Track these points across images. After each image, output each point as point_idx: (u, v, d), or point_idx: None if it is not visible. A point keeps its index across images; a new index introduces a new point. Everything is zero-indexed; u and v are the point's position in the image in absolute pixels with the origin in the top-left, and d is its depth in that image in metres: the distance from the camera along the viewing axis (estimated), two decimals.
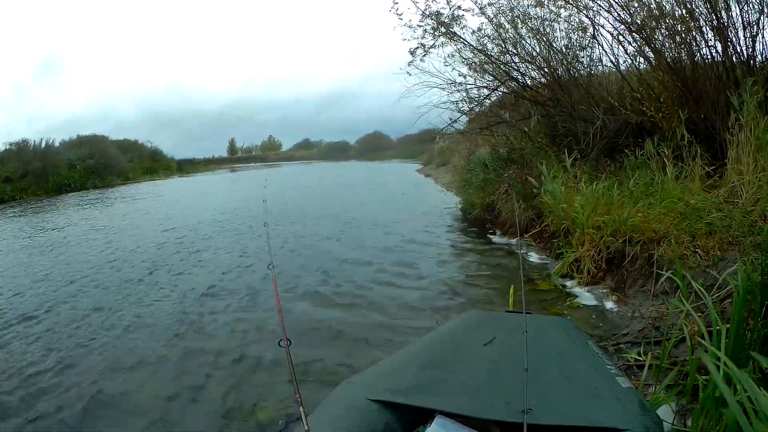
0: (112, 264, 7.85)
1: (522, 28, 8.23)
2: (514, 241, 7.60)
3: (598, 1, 6.57)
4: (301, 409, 1.51)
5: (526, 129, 8.48)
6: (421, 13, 8.72)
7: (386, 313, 4.97)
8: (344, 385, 2.02)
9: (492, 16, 8.34)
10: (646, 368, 2.98)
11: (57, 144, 37.49)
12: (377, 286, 5.93)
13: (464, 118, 10.13)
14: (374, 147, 47.60)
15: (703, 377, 2.49)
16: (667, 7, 5.72)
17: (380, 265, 6.89)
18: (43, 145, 35.79)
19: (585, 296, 4.89)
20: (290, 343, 1.83)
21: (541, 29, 8.02)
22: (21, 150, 34.46)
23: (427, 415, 1.71)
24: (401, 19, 8.79)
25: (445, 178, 16.66)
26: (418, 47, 8.98)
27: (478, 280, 6.01)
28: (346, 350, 4.12)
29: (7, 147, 34.66)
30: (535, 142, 8.16)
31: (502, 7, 8.25)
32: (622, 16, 6.22)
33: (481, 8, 8.38)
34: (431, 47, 8.95)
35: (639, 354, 3.32)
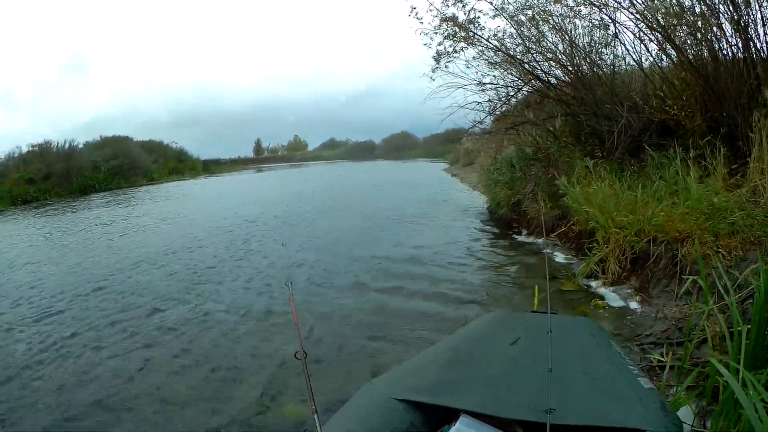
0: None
1: (543, 25, 8.23)
2: (539, 240, 7.62)
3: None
4: (315, 417, 1.56)
5: (552, 128, 8.49)
6: (440, 17, 8.83)
7: (412, 308, 5.17)
8: (369, 385, 2.04)
9: (512, 14, 8.38)
10: (667, 369, 3.01)
11: (81, 145, 37.81)
12: (406, 281, 6.12)
13: (490, 118, 10.19)
14: (400, 146, 47.41)
15: (724, 379, 2.53)
16: (687, 3, 5.69)
17: (407, 262, 7.10)
18: (66, 146, 36.16)
19: (610, 296, 4.91)
20: (306, 355, 1.87)
21: (563, 26, 8.02)
22: (44, 151, 34.77)
23: (452, 415, 1.72)
24: (421, 23, 8.89)
25: (471, 178, 16.65)
26: (441, 55, 9.09)
27: (503, 279, 6.09)
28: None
29: (30, 149, 35.01)
30: (560, 141, 8.17)
31: (521, 6, 8.28)
32: (643, 13, 6.20)
33: (497, 9, 8.43)
34: (454, 52, 9.05)
35: (662, 355, 3.33)
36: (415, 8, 8.76)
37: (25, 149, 34.78)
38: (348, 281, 6.42)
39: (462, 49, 8.94)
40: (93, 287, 6.90)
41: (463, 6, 8.42)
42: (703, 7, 5.44)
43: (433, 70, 9.17)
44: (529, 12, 8.26)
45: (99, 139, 40.61)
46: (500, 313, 2.80)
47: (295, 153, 57.64)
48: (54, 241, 11.69)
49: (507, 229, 9.06)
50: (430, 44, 8.92)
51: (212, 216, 14.28)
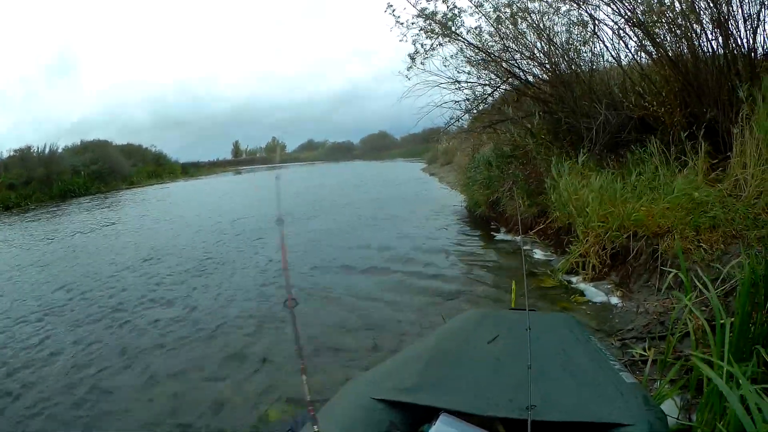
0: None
1: (522, 23, 8.22)
2: (518, 237, 7.59)
3: None
4: (303, 378, 1.52)
5: (529, 126, 8.49)
6: (417, 14, 8.76)
7: (391, 307, 5.09)
8: (349, 385, 2.03)
9: (490, 11, 8.36)
10: (649, 363, 2.99)
11: (61, 150, 37.27)
12: (382, 282, 6.07)
13: (467, 117, 10.18)
14: (378, 146, 47.51)
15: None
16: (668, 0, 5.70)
17: (384, 263, 6.97)
18: (47, 150, 35.57)
19: (590, 292, 4.88)
20: (296, 303, 1.77)
21: (541, 24, 8.02)
22: (24, 156, 34.18)
23: (432, 414, 1.71)
24: (399, 22, 8.78)
25: (450, 177, 16.63)
26: (417, 52, 9.03)
27: (482, 278, 6.02)
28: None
29: (11, 154, 34.47)
30: (538, 138, 8.16)
31: (500, 3, 8.27)
32: (623, 10, 6.21)
33: (477, 5, 8.41)
34: (431, 49, 8.99)
35: (644, 349, 3.32)
36: (391, 6, 8.76)
37: (5, 154, 34.38)
38: (315, 287, 6.24)
39: (439, 45, 8.94)
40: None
41: (444, 1, 8.43)
42: (683, 3, 5.45)
43: (408, 68, 9.15)
44: (508, 10, 8.27)
45: (79, 143, 40.33)
46: (478, 312, 2.77)
47: (273, 155, 57.57)
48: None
49: (485, 227, 9.03)
50: (405, 39, 8.88)
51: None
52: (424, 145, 36.48)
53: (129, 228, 13.57)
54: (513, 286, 3.61)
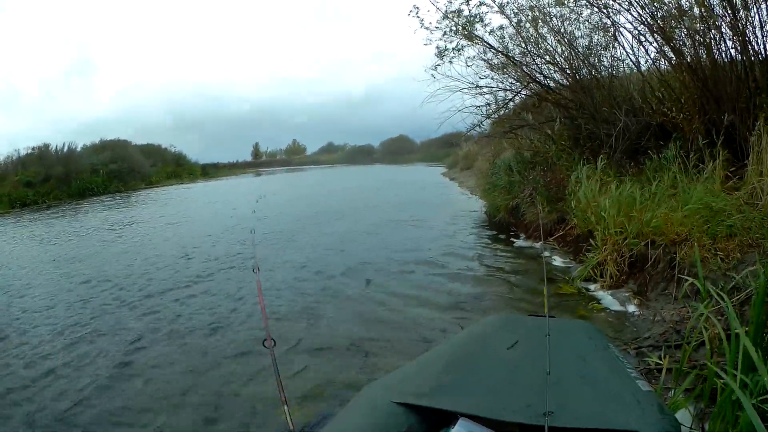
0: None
1: (543, 27, 8.26)
2: (537, 244, 7.61)
3: (618, 0, 6.58)
4: (285, 408, 1.58)
5: (550, 132, 8.50)
6: (442, 14, 8.83)
7: (408, 313, 5.14)
8: (368, 388, 2.04)
9: (512, 14, 8.41)
10: (664, 372, 3.00)
11: (79, 148, 37.86)
12: (401, 286, 6.14)
13: (488, 122, 10.21)
14: (398, 150, 47.39)
15: (722, 381, 2.49)
16: (686, 5, 5.70)
17: (403, 266, 7.09)
18: (65, 149, 36.28)
19: (608, 300, 4.89)
20: (274, 343, 1.89)
21: (562, 29, 8.04)
22: (42, 154, 34.70)
23: (450, 418, 1.71)
24: (422, 24, 8.89)
25: (470, 182, 16.64)
26: (444, 51, 9.11)
27: (501, 284, 6.04)
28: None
29: (29, 151, 34.92)
30: (558, 144, 8.18)
31: (522, 6, 8.31)
32: (643, 15, 6.21)
33: (500, 7, 8.46)
34: (456, 49, 9.07)
35: (660, 358, 3.32)
36: (417, 8, 8.86)
37: (23, 152, 34.71)
38: (337, 286, 6.40)
39: (462, 48, 9.01)
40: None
41: (467, 2, 8.49)
42: (702, 9, 5.45)
43: (435, 67, 9.24)
44: (530, 13, 8.31)
45: (98, 142, 40.54)
46: (499, 317, 2.80)
47: (293, 157, 57.60)
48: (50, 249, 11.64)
49: (505, 233, 9.01)
50: (430, 41, 9.02)
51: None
52: (443, 150, 36.52)
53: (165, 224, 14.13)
54: (545, 293, 3.67)
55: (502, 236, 8.86)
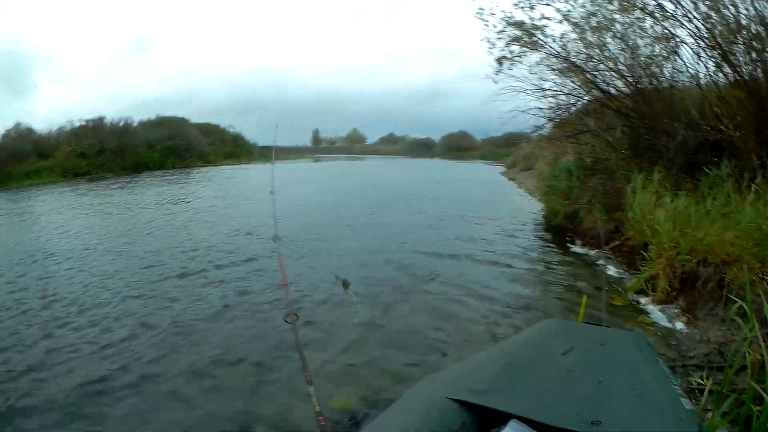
0: None
1: (606, 34, 8.26)
2: (593, 252, 7.64)
3: (678, 13, 6.56)
4: (311, 390, 1.66)
5: (611, 139, 8.51)
6: (505, 21, 8.96)
7: (462, 311, 5.35)
8: (424, 383, 2.11)
9: (577, 20, 8.46)
10: (706, 393, 3.06)
11: (136, 123, 38.05)
12: (452, 284, 6.30)
13: (550, 124, 10.25)
14: (458, 146, 46.83)
15: (757, 408, 2.58)
16: (745, 22, 5.65)
17: (458, 262, 7.31)
18: (121, 123, 36.48)
19: (657, 314, 4.94)
20: (297, 318, 1.99)
21: (624, 37, 8.04)
22: (97, 127, 35.12)
23: (502, 418, 1.74)
24: (486, 26, 9.07)
25: (528, 183, 16.63)
26: (504, 59, 9.23)
27: (554, 288, 6.17)
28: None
29: (83, 124, 35.41)
30: (618, 153, 8.18)
31: (586, 13, 8.33)
32: (701, 29, 6.19)
33: (564, 14, 8.51)
34: (517, 56, 9.16)
35: (702, 378, 3.37)
36: (483, 9, 9.04)
37: (77, 124, 35.57)
38: (389, 279, 6.66)
39: (524, 54, 9.11)
40: None
41: (531, 8, 8.63)
42: (759, 26, 5.40)
43: (496, 73, 9.38)
44: (593, 20, 8.33)
45: (155, 118, 40.77)
46: (555, 322, 2.80)
47: (353, 145, 57.56)
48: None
49: (561, 238, 9.03)
50: (493, 47, 9.17)
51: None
52: (503, 149, 36.13)
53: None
54: (584, 301, 3.71)
55: (559, 241, 8.89)
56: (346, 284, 3.36)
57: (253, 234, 9.79)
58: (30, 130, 34.39)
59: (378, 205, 13.85)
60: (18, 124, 34.17)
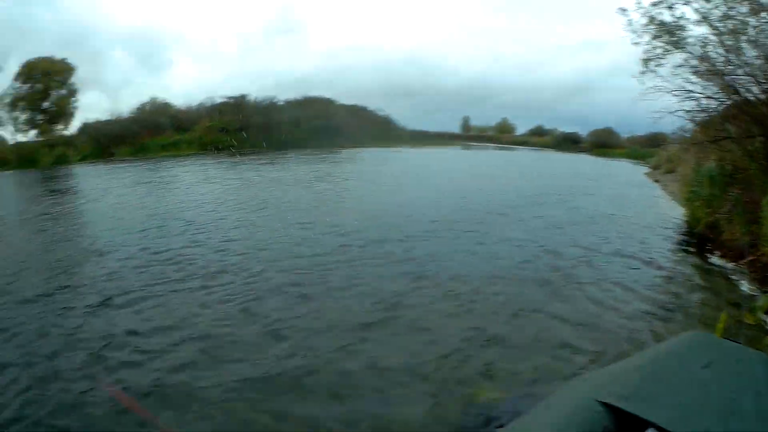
0: None
1: (741, 37, 8.04)
2: (730, 265, 7.48)
3: None
4: None
5: (750, 148, 8.23)
6: (647, 19, 9.00)
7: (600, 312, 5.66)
8: (575, 383, 2.32)
9: (714, 22, 8.34)
10: None
11: (281, 102, 38.12)
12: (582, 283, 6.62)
13: (692, 127, 10.01)
14: (604, 143, 44.85)
15: None
16: None
17: (600, 260, 7.60)
18: (266, 102, 37.24)
19: None
20: None
21: (758, 41, 7.77)
22: (240, 104, 35.86)
23: (641, 425, 1.81)
24: (630, 23, 9.19)
25: (671, 187, 15.99)
26: (650, 58, 9.20)
27: (690, 299, 6.22)
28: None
29: (224, 100, 36.38)
30: (757, 163, 7.91)
31: (723, 15, 8.18)
32: None
33: (702, 16, 8.39)
34: (661, 56, 9.14)
35: None
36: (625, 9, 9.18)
37: (218, 100, 36.69)
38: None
39: (668, 53, 9.07)
40: None
41: (670, 8, 8.65)
42: None
43: (642, 73, 9.34)
44: (729, 22, 8.13)
45: (301, 98, 40.14)
46: (695, 335, 2.82)
47: (502, 135, 56.62)
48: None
49: (700, 247, 8.84)
50: (638, 44, 9.23)
51: None
52: (647, 149, 34.12)
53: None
54: (723, 317, 3.82)
55: (699, 250, 8.71)
56: None
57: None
58: (167, 105, 36.66)
59: (534, 198, 14.28)
60: (154, 99, 36.57)
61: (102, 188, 16.77)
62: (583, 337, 4.97)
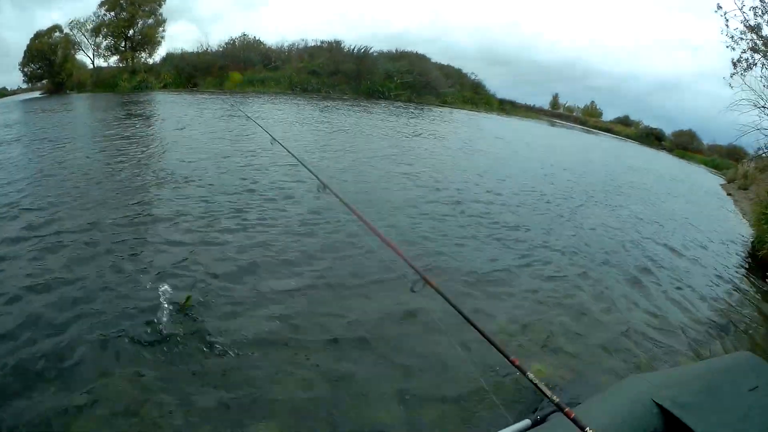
0: None
1: None
2: None
3: None
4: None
5: None
6: (744, 24, 8.81)
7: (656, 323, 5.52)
8: (632, 380, 2.33)
9: None
10: None
11: (375, 53, 37.58)
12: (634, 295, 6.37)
13: None
14: (685, 145, 43.11)
15: None
16: None
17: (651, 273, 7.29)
18: (360, 50, 36.59)
19: None
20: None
21: None
22: (333, 49, 35.83)
23: None
24: (728, 26, 9.00)
25: (743, 204, 15.47)
26: (739, 61, 9.06)
27: (743, 320, 6.11)
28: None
29: (317, 44, 36.41)
30: None
31: None
32: None
33: None
34: (752, 63, 8.96)
35: None
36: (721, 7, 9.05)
37: (311, 43, 36.81)
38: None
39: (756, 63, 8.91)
40: None
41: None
42: None
43: (732, 76, 9.25)
44: None
45: (395, 51, 39.65)
46: (746, 356, 2.81)
47: (588, 118, 54.99)
48: None
49: (762, 271, 8.46)
50: (733, 49, 9.08)
51: None
52: (725, 159, 32.68)
53: None
54: None
55: (758, 273, 8.41)
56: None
57: None
58: (258, 42, 36.64)
59: (616, 191, 14.06)
60: (244, 35, 36.55)
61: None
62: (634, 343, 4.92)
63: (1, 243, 5.62)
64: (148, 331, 4.00)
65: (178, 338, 3.95)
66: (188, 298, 4.32)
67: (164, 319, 4.13)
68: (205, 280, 4.98)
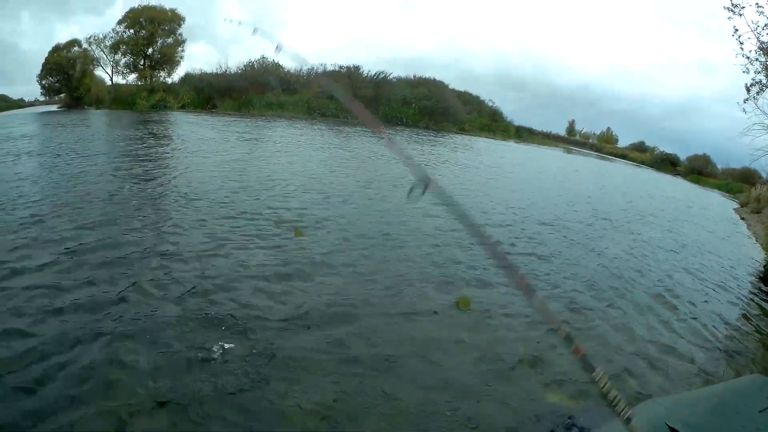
0: None
1: None
2: None
3: None
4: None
5: None
6: (758, 46, 8.87)
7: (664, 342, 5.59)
8: (649, 404, 2.42)
9: None
10: None
11: (393, 78, 38.14)
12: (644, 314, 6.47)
13: None
14: (699, 169, 43.04)
15: None
16: None
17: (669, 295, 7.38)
18: (379, 76, 37.10)
19: None
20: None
21: None
22: (351, 74, 36.14)
23: None
24: (742, 48, 9.05)
25: (755, 227, 15.52)
26: (753, 84, 9.12)
27: (753, 343, 6.15)
28: None
29: (336, 69, 36.55)
30: None
31: None
32: None
33: None
34: (766, 86, 9.01)
35: None
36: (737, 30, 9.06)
37: (330, 68, 36.89)
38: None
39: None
40: None
41: None
42: None
43: (745, 101, 9.37)
44: None
45: (413, 77, 40.47)
46: (758, 378, 2.84)
47: (604, 145, 54.96)
48: None
49: None
50: (748, 71, 9.10)
51: None
52: (738, 183, 32.45)
53: None
54: None
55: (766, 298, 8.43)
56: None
57: None
58: (277, 66, 36.52)
59: (634, 216, 14.28)
60: (263, 58, 36.40)
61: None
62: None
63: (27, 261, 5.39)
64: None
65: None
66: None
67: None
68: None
